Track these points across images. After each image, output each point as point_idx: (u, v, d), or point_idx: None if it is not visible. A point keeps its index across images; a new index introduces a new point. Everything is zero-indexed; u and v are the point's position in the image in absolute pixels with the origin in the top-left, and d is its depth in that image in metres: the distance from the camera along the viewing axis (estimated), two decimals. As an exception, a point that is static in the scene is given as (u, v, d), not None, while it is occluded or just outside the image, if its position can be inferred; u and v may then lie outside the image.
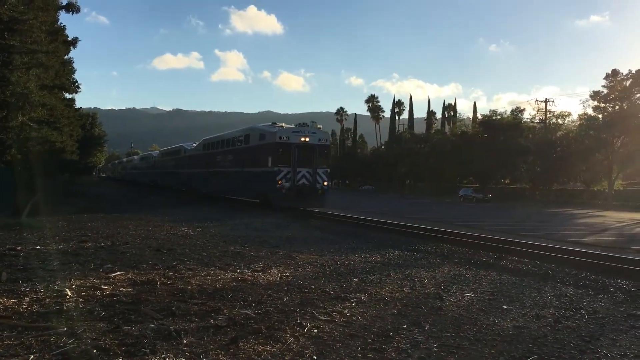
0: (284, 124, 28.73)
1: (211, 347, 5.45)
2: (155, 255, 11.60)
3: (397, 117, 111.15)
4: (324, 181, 26.84)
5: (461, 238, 16.75)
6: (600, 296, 8.89)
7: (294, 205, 26.18)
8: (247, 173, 29.80)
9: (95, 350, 5.24)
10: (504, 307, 7.78)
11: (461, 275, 10.36)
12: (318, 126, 29.42)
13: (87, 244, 13.12)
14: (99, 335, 5.71)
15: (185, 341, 5.59)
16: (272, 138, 26.81)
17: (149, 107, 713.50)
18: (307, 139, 26.57)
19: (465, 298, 8.30)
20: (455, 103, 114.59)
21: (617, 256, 13.45)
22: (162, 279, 8.93)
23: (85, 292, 7.71)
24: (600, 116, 60.31)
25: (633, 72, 56.80)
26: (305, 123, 31.35)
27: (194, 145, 45.58)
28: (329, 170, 27.48)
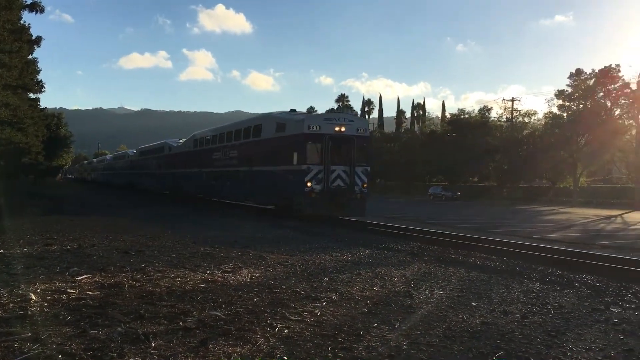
0: (313, 111, 24.80)
1: (180, 349, 5.39)
2: (124, 257, 11.42)
3: (367, 116, 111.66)
4: (363, 182, 21.74)
5: (431, 236, 16.93)
6: (566, 291, 9.07)
7: (325, 212, 21.24)
8: (258, 173, 24.81)
9: (60, 356, 5.12)
10: (473, 303, 7.87)
11: (431, 273, 10.45)
12: (354, 112, 26.06)
13: (52, 247, 12.84)
14: (65, 340, 5.59)
15: (153, 344, 5.51)
16: (297, 128, 21.59)
17: (116, 107, 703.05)
18: (343, 129, 21.40)
19: (435, 295, 8.38)
20: (424, 102, 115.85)
21: (582, 252, 13.76)
22: (130, 281, 8.79)
23: (51, 296, 7.54)
24: (565, 114, 61.56)
25: (596, 71, 58.11)
26: (338, 107, 27.07)
27: (181, 141, 40.89)
28: (369, 169, 22.34)
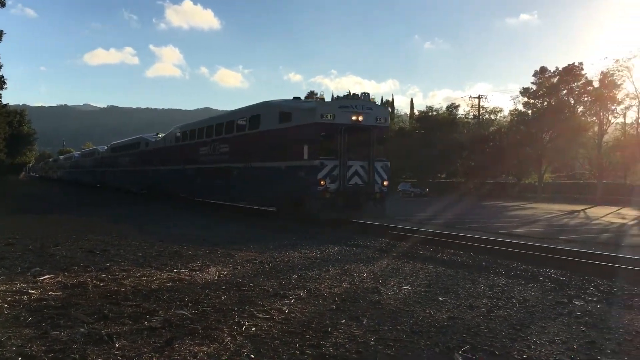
0: (320, 96, 21.02)
1: (145, 349, 5.30)
2: (88, 256, 11.20)
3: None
4: (383, 180, 19.32)
5: (399, 232, 17.04)
6: (530, 285, 9.21)
7: (341, 215, 18.65)
8: (256, 170, 22.06)
9: (20, 358, 4.99)
10: (440, 298, 7.93)
11: (399, 269, 10.51)
12: (372, 99, 20.42)
13: (13, 246, 12.52)
14: (25, 342, 5.45)
15: (117, 345, 5.41)
16: (308, 117, 18.85)
17: (81, 104, 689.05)
18: (361, 118, 18.75)
19: (403, 291, 8.42)
20: (392, 99, 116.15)
21: (546, 246, 14.01)
22: (94, 281, 8.62)
23: (11, 297, 7.34)
24: (529, 112, 62.66)
25: (560, 69, 59.25)
26: (355, 94, 20.43)
27: (159, 136, 37.85)
28: (389, 164, 19.77)
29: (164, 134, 36.85)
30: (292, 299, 7.61)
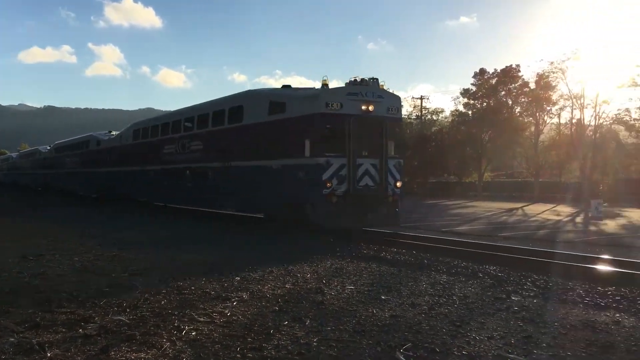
0: (326, 81, 16.29)
1: (78, 358, 5.10)
2: (21, 262, 10.73)
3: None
4: (396, 181, 16.57)
5: (343, 232, 17.07)
6: (470, 282, 9.40)
7: (350, 224, 15.74)
8: (239, 170, 19.00)
9: (-58, 372, 4.72)
10: (383, 297, 7.98)
11: (343, 269, 10.53)
12: (382, 85, 16.92)
13: (-60, 253, 11.88)
14: (-52, 354, 5.16)
15: (49, 354, 5.18)
16: (310, 107, 15.94)
17: (16, 104, 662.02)
18: (371, 108, 15.89)
19: (346, 291, 8.44)
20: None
21: (485, 243, 14.36)
22: (27, 288, 8.26)
23: None
24: (470, 112, 64.21)
25: (498, 71, 60.96)
26: (363, 79, 16.64)
27: (113, 134, 34.50)
28: (402, 162, 17.22)
29: (118, 132, 33.75)
30: (234, 301, 7.50)
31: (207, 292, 8.07)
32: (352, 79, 16.36)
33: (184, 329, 6.11)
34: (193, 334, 5.96)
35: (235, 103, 19.94)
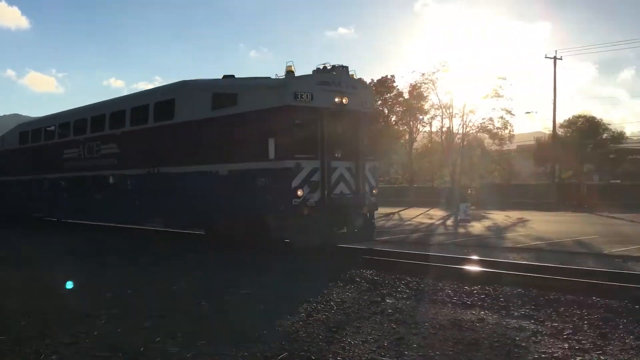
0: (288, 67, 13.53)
1: None
2: None
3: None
4: (372, 188, 14.50)
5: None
6: (348, 287, 9.55)
7: (323, 240, 13.18)
8: (172, 178, 15.68)
9: None
10: (262, 307, 7.91)
11: (235, 279, 10.31)
12: (352, 74, 14.07)
13: None
14: None
15: None
16: (274, 98, 13.19)
17: None
18: (345, 100, 13.24)
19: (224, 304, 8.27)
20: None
21: (363, 248, 14.68)
22: None
23: None
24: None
25: (375, 81, 63.26)
26: (333, 66, 13.79)
27: None
28: (377, 165, 15.22)
29: (2, 134, 28.04)
30: (103, 320, 7.08)
31: (72, 311, 7.55)
32: (322, 66, 13.76)
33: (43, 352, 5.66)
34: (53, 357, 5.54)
35: (164, 97, 16.64)
